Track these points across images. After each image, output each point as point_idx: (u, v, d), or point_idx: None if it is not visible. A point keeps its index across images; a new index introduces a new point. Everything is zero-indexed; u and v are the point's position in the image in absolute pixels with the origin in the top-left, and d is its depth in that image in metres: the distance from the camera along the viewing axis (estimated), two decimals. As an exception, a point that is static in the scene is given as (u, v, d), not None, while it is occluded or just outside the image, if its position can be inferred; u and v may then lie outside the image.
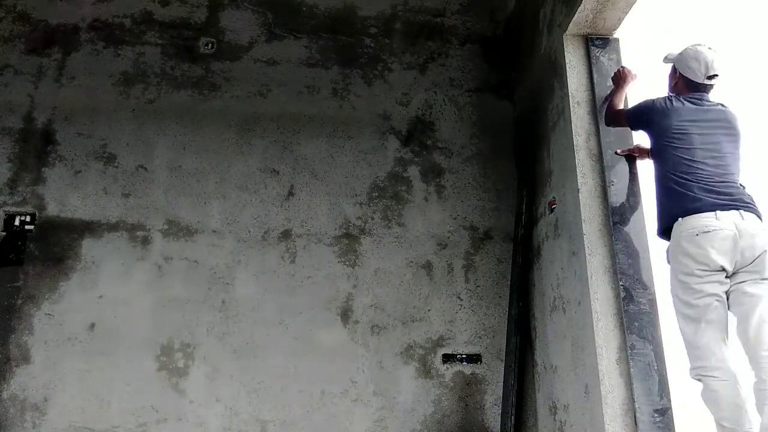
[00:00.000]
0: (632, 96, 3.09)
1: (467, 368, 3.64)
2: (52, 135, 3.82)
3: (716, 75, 2.60)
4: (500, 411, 3.53)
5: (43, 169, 3.74)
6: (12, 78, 3.92)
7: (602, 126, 3.03)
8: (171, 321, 3.54)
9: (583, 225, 2.88)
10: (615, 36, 3.23)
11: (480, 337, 3.70)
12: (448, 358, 3.64)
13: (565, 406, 3.03)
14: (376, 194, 3.93)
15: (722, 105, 2.64)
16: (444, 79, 4.26)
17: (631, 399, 2.60)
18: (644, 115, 2.69)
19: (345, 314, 3.67)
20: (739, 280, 2.33)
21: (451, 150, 4.08)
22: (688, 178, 2.45)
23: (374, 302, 3.70)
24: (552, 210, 3.31)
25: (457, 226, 3.90)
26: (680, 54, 2.70)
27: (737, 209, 2.35)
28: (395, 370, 3.59)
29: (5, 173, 3.70)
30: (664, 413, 2.57)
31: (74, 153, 3.80)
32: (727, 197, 2.39)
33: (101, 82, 3.98)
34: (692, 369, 2.34)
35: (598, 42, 3.19)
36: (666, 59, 2.80)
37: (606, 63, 3.16)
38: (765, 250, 2.30)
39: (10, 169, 3.72)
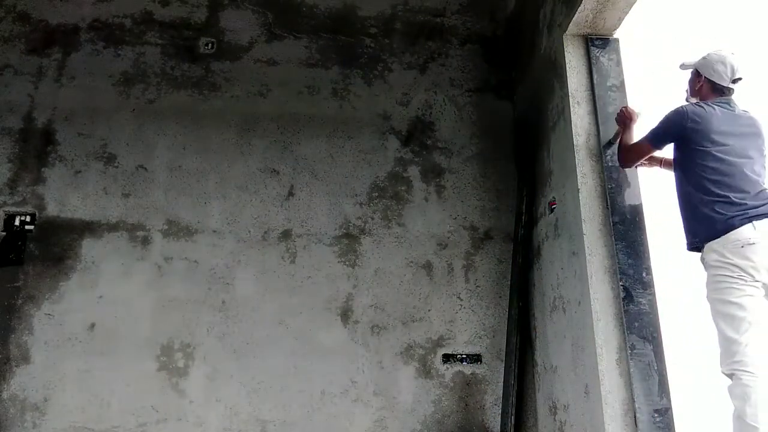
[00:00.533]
0: (632, 98, 3.09)
1: (467, 368, 3.64)
2: (52, 135, 3.82)
3: (740, 78, 2.64)
4: (500, 411, 3.53)
5: (43, 169, 3.74)
6: (12, 78, 3.92)
7: (602, 126, 3.03)
8: (171, 321, 3.54)
9: (583, 225, 2.88)
10: (615, 36, 3.23)
11: (480, 337, 3.70)
12: (448, 358, 3.64)
13: (565, 406, 3.03)
14: (376, 194, 3.93)
15: (746, 110, 2.67)
16: (444, 79, 4.26)
17: (631, 399, 2.60)
18: (675, 125, 2.64)
19: (345, 314, 3.67)
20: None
21: (451, 150, 4.08)
22: (727, 189, 2.48)
23: (374, 302, 3.70)
24: (552, 210, 3.31)
25: (457, 226, 3.90)
26: (704, 58, 2.70)
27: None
28: (395, 370, 3.59)
29: (5, 173, 3.70)
30: (664, 413, 2.57)
31: (74, 153, 3.80)
32: (762, 206, 2.45)
33: (101, 82, 3.98)
34: (727, 364, 2.37)
35: (598, 42, 3.19)
36: (684, 66, 2.81)
37: (606, 63, 3.16)
38: None
39: (10, 169, 3.72)
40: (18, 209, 3.64)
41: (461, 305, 3.75)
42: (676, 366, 2.70)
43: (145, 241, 3.67)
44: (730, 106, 2.64)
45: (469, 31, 4.43)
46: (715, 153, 2.53)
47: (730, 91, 2.65)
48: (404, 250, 3.82)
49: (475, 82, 4.28)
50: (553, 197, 3.30)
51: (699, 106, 2.63)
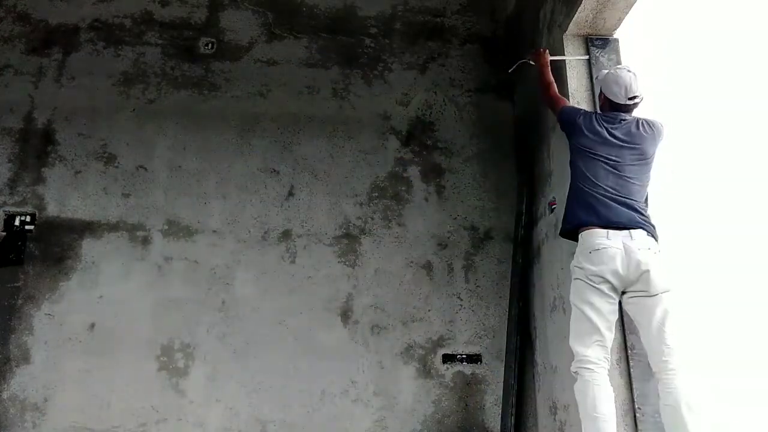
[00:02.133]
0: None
1: (467, 368, 3.64)
2: (52, 135, 3.82)
3: (636, 96, 2.66)
4: (500, 411, 3.53)
5: (43, 169, 3.75)
6: (12, 78, 3.92)
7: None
8: (171, 321, 3.54)
9: (583, 225, 2.87)
10: (615, 36, 3.22)
11: (480, 337, 3.70)
12: (448, 358, 3.64)
13: (565, 406, 3.03)
14: (376, 194, 3.93)
15: (643, 124, 2.65)
16: (444, 79, 4.26)
17: (631, 399, 2.60)
18: (567, 126, 2.77)
19: (345, 314, 3.67)
20: (630, 296, 2.46)
21: (451, 150, 4.08)
22: (590, 193, 2.56)
23: (374, 302, 3.70)
24: (552, 210, 3.31)
25: (457, 226, 3.90)
26: (604, 78, 2.77)
27: (627, 229, 2.46)
28: (395, 370, 3.59)
29: (5, 173, 3.71)
30: (664, 413, 2.56)
31: (74, 153, 3.80)
32: (621, 217, 2.49)
33: (101, 82, 3.98)
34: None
35: (598, 42, 3.19)
36: (596, 80, 2.93)
37: (606, 63, 3.15)
38: (648, 270, 2.39)
39: (10, 169, 3.72)
40: (18, 209, 3.64)
41: (461, 305, 3.75)
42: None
43: (145, 241, 3.67)
44: (615, 120, 2.66)
45: (469, 31, 4.43)
46: (586, 161, 2.61)
47: (627, 107, 2.68)
48: (404, 250, 3.82)
49: (475, 82, 4.28)
50: (553, 197, 3.30)
51: (586, 116, 2.71)
